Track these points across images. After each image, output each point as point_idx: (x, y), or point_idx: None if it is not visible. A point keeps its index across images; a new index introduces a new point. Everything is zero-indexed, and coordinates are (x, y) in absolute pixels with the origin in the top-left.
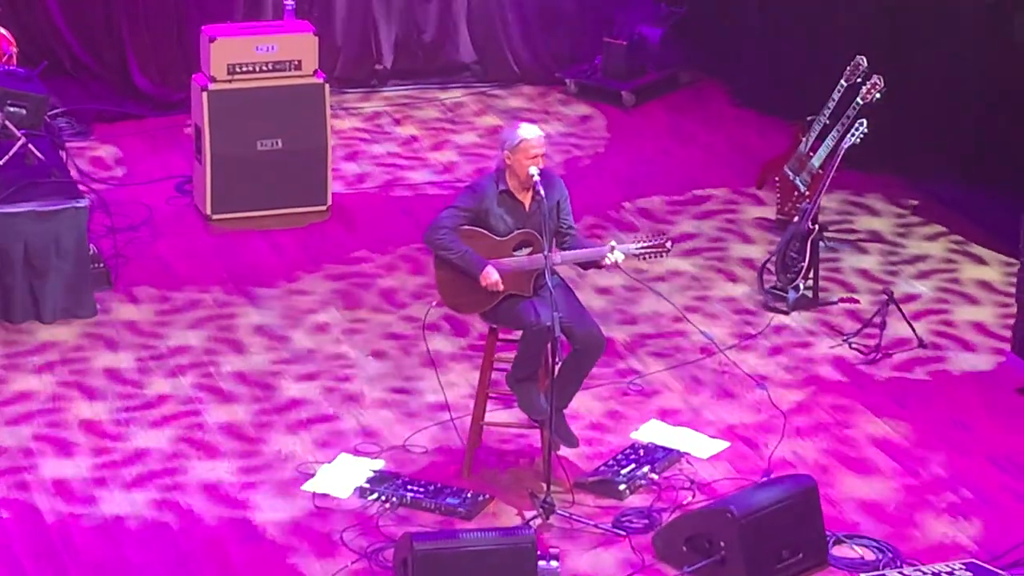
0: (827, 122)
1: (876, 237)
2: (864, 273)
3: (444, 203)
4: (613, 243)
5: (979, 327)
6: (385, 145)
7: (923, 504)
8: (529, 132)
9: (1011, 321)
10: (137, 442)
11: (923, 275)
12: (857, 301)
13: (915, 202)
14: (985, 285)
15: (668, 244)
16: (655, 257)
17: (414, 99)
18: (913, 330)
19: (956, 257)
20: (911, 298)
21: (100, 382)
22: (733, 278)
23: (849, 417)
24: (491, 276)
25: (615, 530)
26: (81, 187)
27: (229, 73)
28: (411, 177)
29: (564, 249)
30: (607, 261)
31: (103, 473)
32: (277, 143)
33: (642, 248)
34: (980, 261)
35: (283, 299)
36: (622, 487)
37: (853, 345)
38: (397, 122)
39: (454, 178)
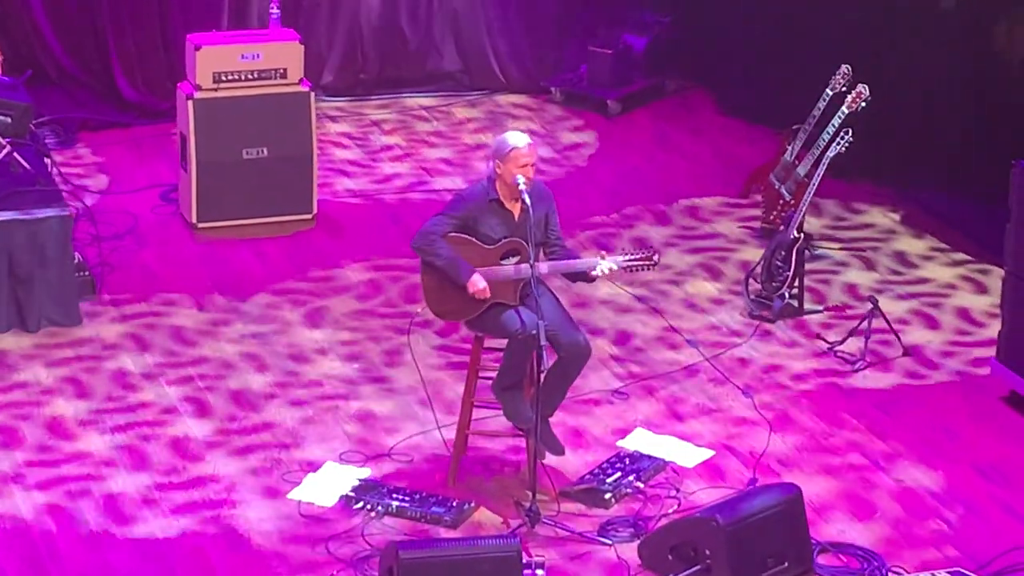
0: (813, 131)
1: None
2: (852, 287)
3: (421, 210)
4: (602, 254)
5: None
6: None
7: (908, 512)
8: (519, 141)
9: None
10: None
11: (910, 295)
12: (843, 310)
13: (901, 212)
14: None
15: (655, 257)
16: (642, 270)
17: (401, 107)
18: (899, 339)
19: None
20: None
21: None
22: (718, 287)
23: (834, 425)
24: (478, 284)
25: (601, 539)
26: (66, 196)
27: (215, 81)
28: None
29: (552, 260)
30: (596, 273)
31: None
32: (263, 151)
33: (629, 261)
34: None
35: (267, 307)
36: (608, 496)
37: (838, 353)
38: (381, 129)
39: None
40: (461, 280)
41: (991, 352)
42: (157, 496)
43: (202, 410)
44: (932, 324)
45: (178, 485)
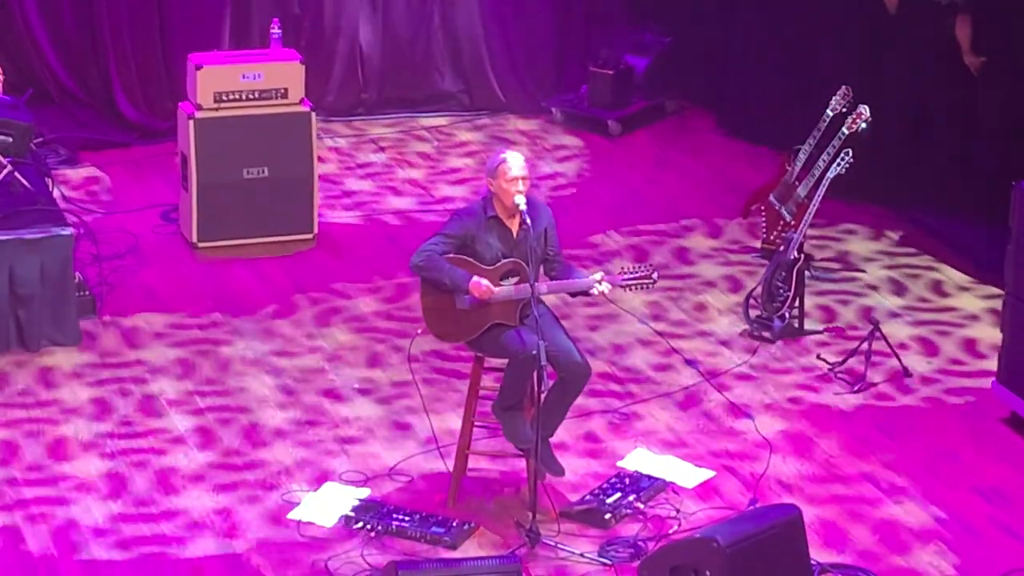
0: (813, 151)
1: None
2: (849, 303)
3: (421, 230)
4: (600, 274)
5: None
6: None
7: (908, 534)
8: (511, 158)
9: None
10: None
11: (909, 316)
12: (843, 331)
13: (900, 233)
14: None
15: (654, 275)
16: (641, 288)
17: (402, 128)
18: (899, 359)
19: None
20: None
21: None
22: (718, 307)
23: (834, 447)
24: (480, 284)
25: (601, 559)
26: (67, 215)
27: (216, 101)
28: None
29: (551, 277)
30: (595, 292)
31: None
32: (263, 171)
33: (628, 279)
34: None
35: (268, 327)
36: (608, 516)
37: (838, 374)
38: (382, 150)
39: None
40: (462, 287)
41: (992, 374)
42: (156, 514)
43: (202, 429)
44: (932, 346)
45: (176, 503)
